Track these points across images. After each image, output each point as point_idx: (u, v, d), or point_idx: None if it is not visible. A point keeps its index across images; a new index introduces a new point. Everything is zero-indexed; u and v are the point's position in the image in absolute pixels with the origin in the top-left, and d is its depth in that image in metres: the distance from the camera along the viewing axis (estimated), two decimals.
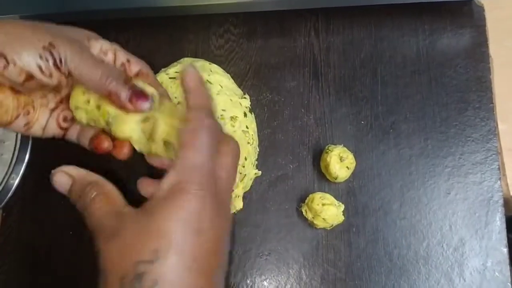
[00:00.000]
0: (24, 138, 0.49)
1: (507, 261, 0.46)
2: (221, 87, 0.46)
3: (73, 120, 0.34)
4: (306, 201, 0.47)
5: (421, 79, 0.51)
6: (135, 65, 0.34)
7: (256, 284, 0.47)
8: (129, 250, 0.26)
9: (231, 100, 0.46)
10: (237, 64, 0.52)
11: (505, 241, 0.46)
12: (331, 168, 0.46)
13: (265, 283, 0.47)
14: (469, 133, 0.49)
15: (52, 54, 0.29)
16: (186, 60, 0.48)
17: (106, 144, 0.33)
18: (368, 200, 0.48)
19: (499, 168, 0.48)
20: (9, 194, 0.48)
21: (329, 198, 0.46)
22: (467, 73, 0.51)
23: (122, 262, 0.26)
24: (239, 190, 0.46)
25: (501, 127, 0.50)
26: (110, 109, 0.31)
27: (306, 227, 0.48)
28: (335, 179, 0.47)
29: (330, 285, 0.46)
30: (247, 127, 0.46)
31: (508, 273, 0.45)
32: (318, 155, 0.49)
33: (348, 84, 0.51)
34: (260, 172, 0.48)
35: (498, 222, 0.47)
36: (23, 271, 0.48)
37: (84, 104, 0.33)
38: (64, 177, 0.32)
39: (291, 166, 0.49)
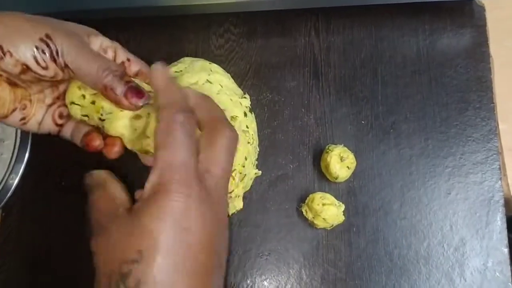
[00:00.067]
0: (24, 137, 0.49)
1: (508, 261, 0.46)
2: (221, 86, 0.46)
3: (68, 116, 0.34)
4: (306, 201, 0.47)
5: (421, 79, 0.51)
6: (135, 65, 0.34)
7: (256, 284, 0.47)
8: (115, 250, 0.26)
9: (231, 99, 0.46)
10: (237, 64, 0.52)
11: (506, 241, 0.46)
12: (331, 168, 0.46)
13: (265, 283, 0.47)
14: (470, 133, 0.49)
15: (48, 46, 0.29)
16: (186, 60, 0.48)
17: (97, 142, 0.33)
18: (368, 200, 0.48)
19: (499, 168, 0.48)
20: (9, 194, 0.48)
21: (329, 198, 0.46)
22: (468, 73, 0.51)
23: (109, 261, 0.26)
24: (239, 190, 0.46)
25: (501, 127, 0.50)
26: (105, 105, 0.31)
27: (307, 227, 0.48)
28: (336, 179, 0.47)
29: (331, 285, 0.46)
30: (247, 127, 0.46)
31: (509, 273, 0.45)
32: (318, 155, 0.49)
33: (348, 84, 0.51)
34: (260, 172, 0.48)
35: (499, 222, 0.47)
36: (23, 271, 0.48)
37: (79, 100, 0.32)
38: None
39: (291, 166, 0.49)
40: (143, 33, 0.54)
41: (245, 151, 0.45)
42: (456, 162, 0.49)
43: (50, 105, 0.34)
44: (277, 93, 0.51)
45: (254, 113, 0.49)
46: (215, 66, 0.48)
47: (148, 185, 0.27)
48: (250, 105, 0.47)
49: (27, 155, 0.49)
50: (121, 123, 0.31)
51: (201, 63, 0.47)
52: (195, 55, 0.52)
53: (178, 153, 0.27)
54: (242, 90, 0.49)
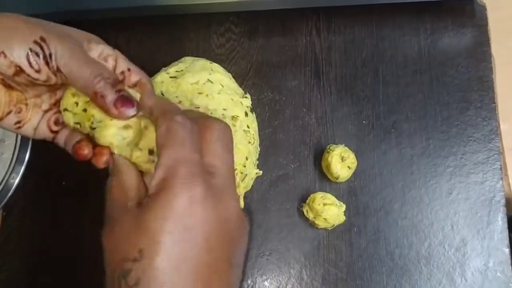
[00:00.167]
0: (24, 138, 0.49)
1: (509, 261, 0.46)
2: (222, 86, 0.46)
3: (64, 124, 0.34)
4: (307, 201, 0.47)
5: (422, 78, 0.51)
6: (135, 75, 0.33)
7: (257, 284, 0.47)
8: (119, 245, 0.26)
9: (232, 99, 0.45)
10: (238, 63, 0.52)
11: (507, 241, 0.46)
12: (332, 167, 0.46)
13: (266, 283, 0.47)
14: (471, 132, 0.49)
15: (42, 48, 0.29)
16: (187, 59, 0.48)
17: (86, 151, 0.32)
18: (369, 200, 0.48)
19: (501, 168, 0.48)
20: (9, 194, 0.48)
21: (330, 198, 0.46)
22: (469, 73, 0.51)
23: (114, 257, 0.26)
24: (240, 190, 0.45)
25: (503, 126, 0.50)
26: (96, 113, 0.31)
27: (307, 227, 0.47)
28: (336, 179, 0.47)
29: (332, 285, 0.46)
30: (248, 127, 0.45)
31: (510, 273, 0.45)
32: (319, 155, 0.49)
33: (349, 83, 0.51)
34: (261, 172, 0.48)
35: (500, 222, 0.47)
36: (23, 271, 0.48)
37: (72, 107, 0.32)
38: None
39: (292, 166, 0.49)
40: (144, 32, 0.54)
41: (246, 150, 0.45)
42: (457, 162, 0.48)
43: (46, 111, 0.34)
44: (278, 92, 0.51)
45: (255, 113, 0.49)
46: (216, 66, 0.48)
47: (153, 182, 0.26)
48: (251, 104, 0.47)
49: (27, 155, 0.49)
50: (110, 132, 0.31)
51: (202, 62, 0.47)
52: (196, 54, 0.52)
53: (182, 149, 0.27)
54: (243, 89, 0.49)
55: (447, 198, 0.48)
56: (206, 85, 0.45)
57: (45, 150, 0.49)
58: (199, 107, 0.44)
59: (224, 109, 0.45)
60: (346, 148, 0.47)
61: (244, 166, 0.45)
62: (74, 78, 0.30)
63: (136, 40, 0.53)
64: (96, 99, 0.30)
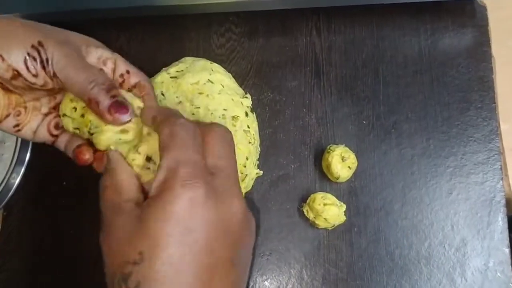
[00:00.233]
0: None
1: (509, 261, 0.46)
2: (223, 86, 0.46)
3: (64, 128, 0.34)
4: (308, 201, 0.47)
5: (423, 78, 0.51)
6: (134, 77, 0.33)
7: (257, 284, 0.47)
8: (119, 247, 0.26)
9: (232, 99, 0.46)
10: (239, 63, 0.52)
11: (507, 241, 0.46)
12: (332, 168, 0.46)
13: (266, 283, 0.47)
14: (471, 133, 0.49)
15: (39, 53, 0.29)
16: (188, 59, 0.48)
17: (87, 155, 0.32)
18: (369, 200, 0.48)
19: (501, 168, 0.48)
20: (10, 194, 0.48)
21: (330, 198, 0.46)
22: (469, 73, 0.51)
23: (114, 259, 0.26)
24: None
25: (503, 127, 0.50)
26: (93, 118, 0.31)
27: (308, 227, 0.47)
28: (337, 179, 0.47)
29: (332, 285, 0.46)
30: (248, 127, 0.45)
31: (510, 273, 0.45)
32: (319, 155, 0.49)
33: (349, 83, 0.51)
34: (261, 172, 0.48)
35: (500, 222, 0.47)
36: (23, 271, 0.48)
37: (71, 112, 0.32)
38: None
39: (293, 166, 0.49)
40: (145, 32, 0.54)
41: (246, 151, 0.45)
42: (457, 162, 0.48)
43: (46, 115, 0.34)
44: (278, 92, 0.51)
45: (255, 113, 0.49)
46: (216, 66, 0.48)
47: (154, 184, 0.26)
48: (251, 104, 0.47)
49: (28, 155, 0.49)
50: (106, 137, 0.31)
51: (202, 62, 0.47)
52: (196, 54, 0.52)
53: (184, 150, 0.26)
54: (243, 89, 0.49)
55: (447, 198, 0.48)
56: (207, 85, 0.45)
57: (45, 151, 0.49)
58: (199, 107, 0.44)
59: (224, 109, 0.45)
60: (347, 148, 0.47)
61: (245, 166, 0.45)
62: (70, 84, 0.30)
63: (137, 40, 0.53)
64: (90, 105, 0.30)
